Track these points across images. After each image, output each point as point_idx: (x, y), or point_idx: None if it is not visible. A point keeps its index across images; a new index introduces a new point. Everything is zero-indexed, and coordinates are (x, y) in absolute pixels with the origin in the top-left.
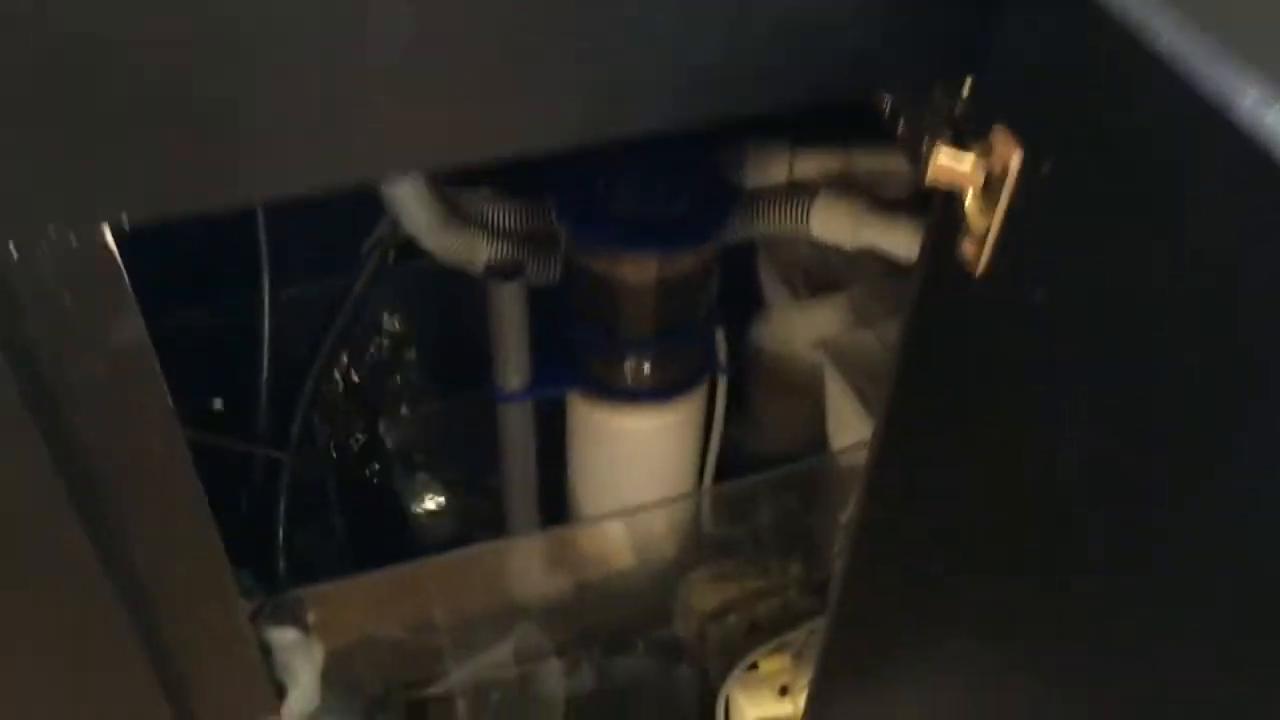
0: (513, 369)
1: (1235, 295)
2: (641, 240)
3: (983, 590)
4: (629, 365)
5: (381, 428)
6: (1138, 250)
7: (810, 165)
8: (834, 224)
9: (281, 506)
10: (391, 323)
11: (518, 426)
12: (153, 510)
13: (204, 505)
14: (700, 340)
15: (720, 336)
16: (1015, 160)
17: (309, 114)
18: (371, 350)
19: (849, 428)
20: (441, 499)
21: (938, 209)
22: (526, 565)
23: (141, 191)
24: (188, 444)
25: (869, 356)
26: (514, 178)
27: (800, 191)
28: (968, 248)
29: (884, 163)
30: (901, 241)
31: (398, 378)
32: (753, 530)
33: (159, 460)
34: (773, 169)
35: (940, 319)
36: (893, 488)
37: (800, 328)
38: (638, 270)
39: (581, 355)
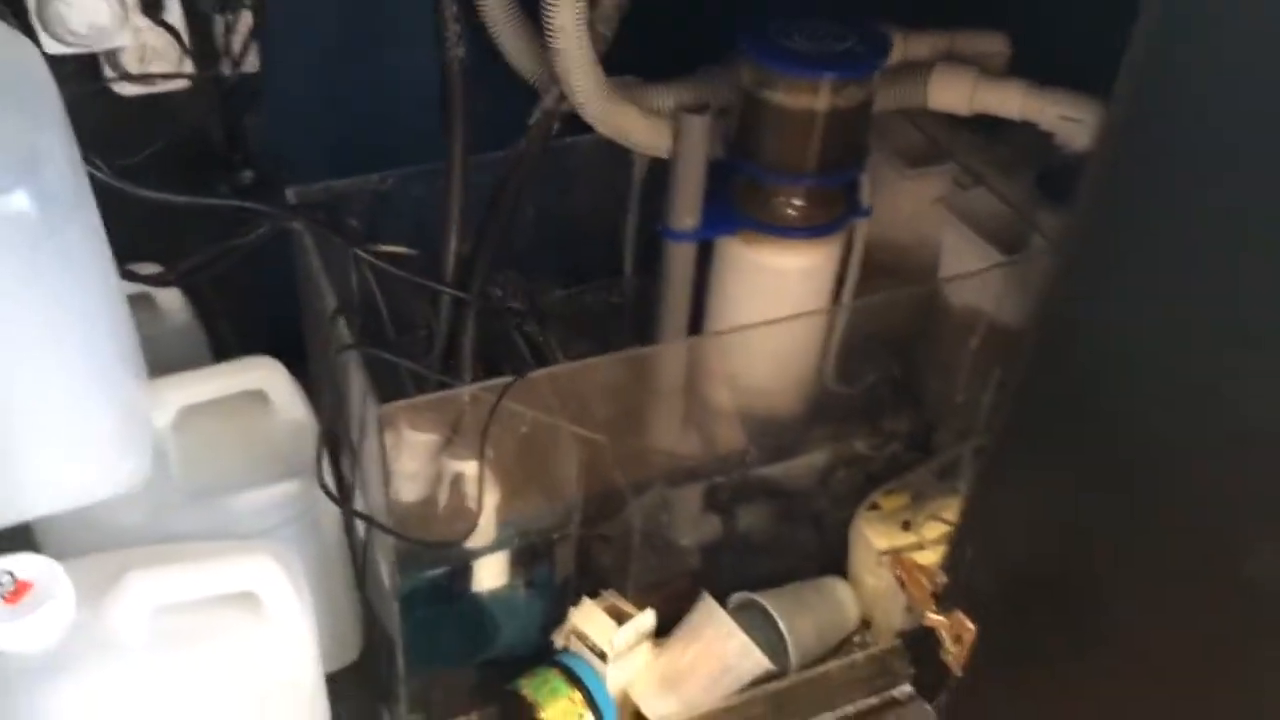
0: (687, 208)
1: None
2: (818, 66)
3: None
4: (786, 200)
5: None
6: None
7: (921, 45)
8: (951, 92)
9: (468, 342)
10: (546, 204)
11: (682, 266)
12: None
13: None
14: (850, 183)
15: (865, 181)
16: None
17: None
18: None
19: (965, 266)
20: None
21: None
22: (676, 370)
23: None
24: None
25: (984, 208)
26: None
27: (915, 67)
28: None
29: (983, 44)
30: (1014, 102)
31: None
32: (866, 387)
33: None
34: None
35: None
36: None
37: (908, 197)
38: (813, 96)
39: (743, 196)
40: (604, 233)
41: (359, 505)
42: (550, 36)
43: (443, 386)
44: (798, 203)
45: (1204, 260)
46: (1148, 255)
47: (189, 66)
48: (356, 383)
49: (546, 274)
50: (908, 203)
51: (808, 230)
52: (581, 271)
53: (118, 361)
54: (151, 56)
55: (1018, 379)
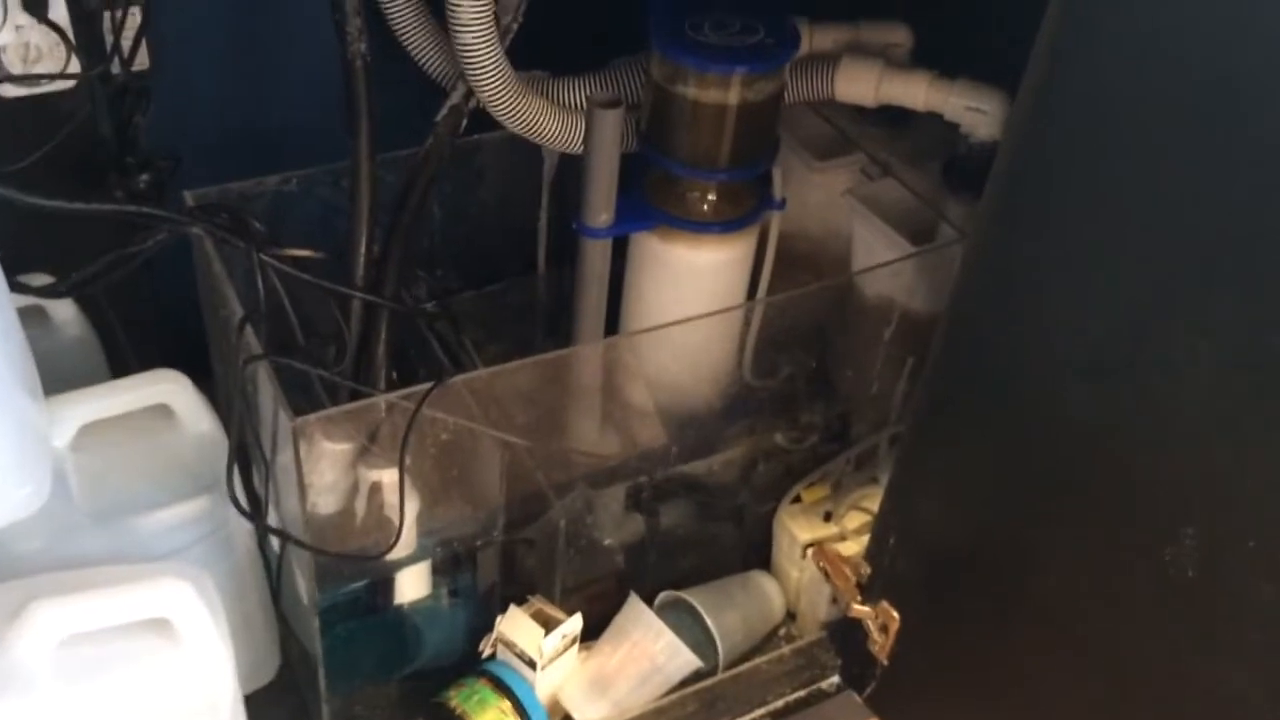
0: (601, 205)
1: None
2: (729, 60)
3: None
4: (701, 194)
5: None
6: None
7: (826, 37)
8: (858, 83)
9: (381, 346)
10: (455, 202)
11: (597, 261)
12: None
13: None
14: (762, 177)
15: (778, 174)
16: None
17: None
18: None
19: (876, 261)
20: None
21: None
22: (595, 370)
23: None
24: None
25: (891, 199)
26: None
27: (822, 59)
28: None
29: (887, 35)
30: (919, 92)
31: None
32: (781, 379)
33: None
34: None
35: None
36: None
37: (817, 190)
38: (723, 90)
39: (657, 191)
40: (516, 229)
41: (273, 520)
42: (455, 31)
43: (356, 395)
44: (711, 197)
45: (1110, 245)
46: (1054, 242)
47: (76, 66)
48: (267, 394)
49: (458, 272)
50: (817, 194)
51: (722, 224)
52: (494, 269)
53: (8, 380)
54: (36, 56)
55: (931, 367)
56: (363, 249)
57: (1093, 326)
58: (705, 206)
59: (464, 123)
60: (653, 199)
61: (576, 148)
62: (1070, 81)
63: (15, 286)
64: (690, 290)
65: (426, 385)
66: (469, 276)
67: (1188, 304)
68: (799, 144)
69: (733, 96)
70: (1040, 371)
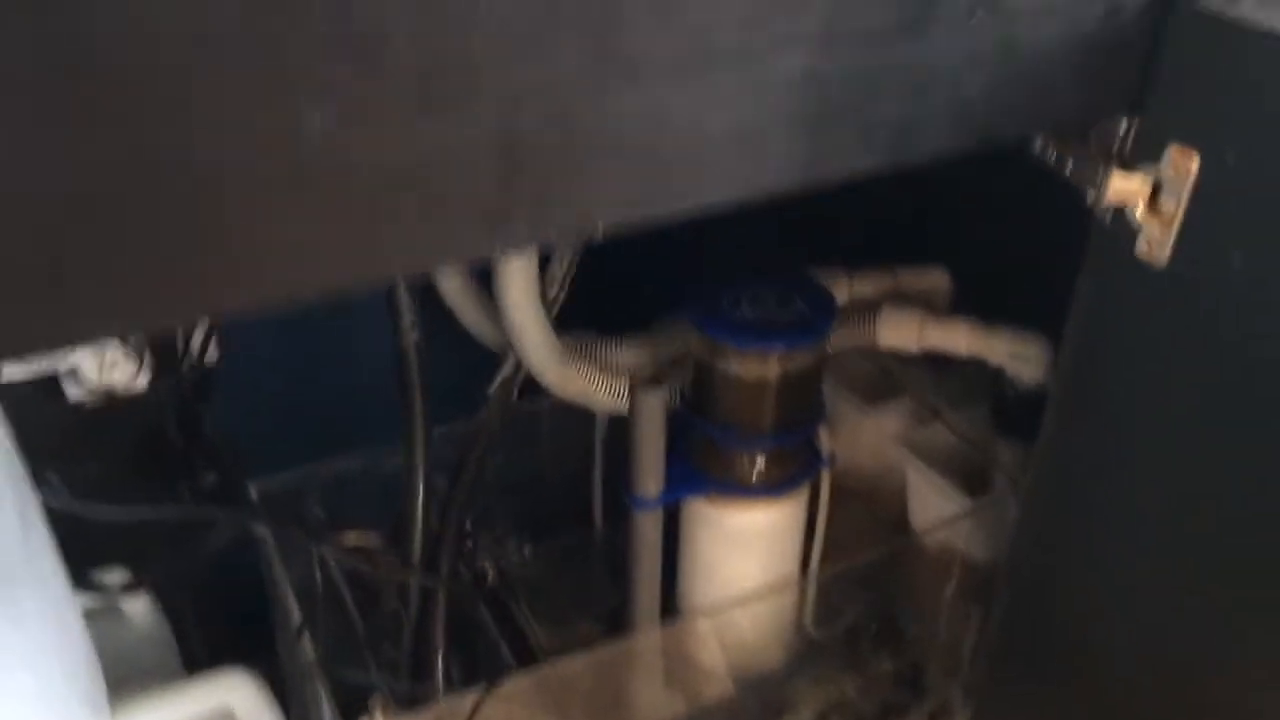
0: (650, 477)
1: None
2: (769, 337)
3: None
4: (749, 462)
5: (497, 562)
6: None
7: (866, 285)
8: (899, 331)
9: (439, 630)
10: (511, 462)
11: (650, 531)
12: None
13: None
14: (809, 437)
15: (824, 432)
16: (1195, 165)
17: None
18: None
19: (934, 510)
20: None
21: (1101, 229)
22: (652, 663)
23: None
24: None
25: (942, 444)
26: (623, 323)
27: (862, 308)
28: (1147, 245)
29: (925, 281)
30: (961, 339)
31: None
32: (847, 628)
33: None
34: (835, 291)
35: (1121, 316)
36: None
37: (869, 433)
38: (764, 366)
39: (704, 459)
40: (572, 487)
41: None
42: (504, 308)
43: (413, 697)
44: (760, 462)
45: (1165, 494)
46: (1107, 495)
47: (148, 370)
48: (323, 705)
49: (516, 534)
50: (869, 436)
51: (772, 489)
52: (553, 527)
53: (72, 699)
54: (110, 365)
55: (997, 620)
56: (419, 528)
57: (1153, 576)
58: (753, 471)
59: (516, 392)
60: (700, 464)
61: (624, 411)
62: (1111, 331)
63: (89, 585)
64: (745, 550)
65: (479, 693)
66: (528, 535)
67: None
68: (846, 387)
69: (772, 371)
70: (1108, 625)
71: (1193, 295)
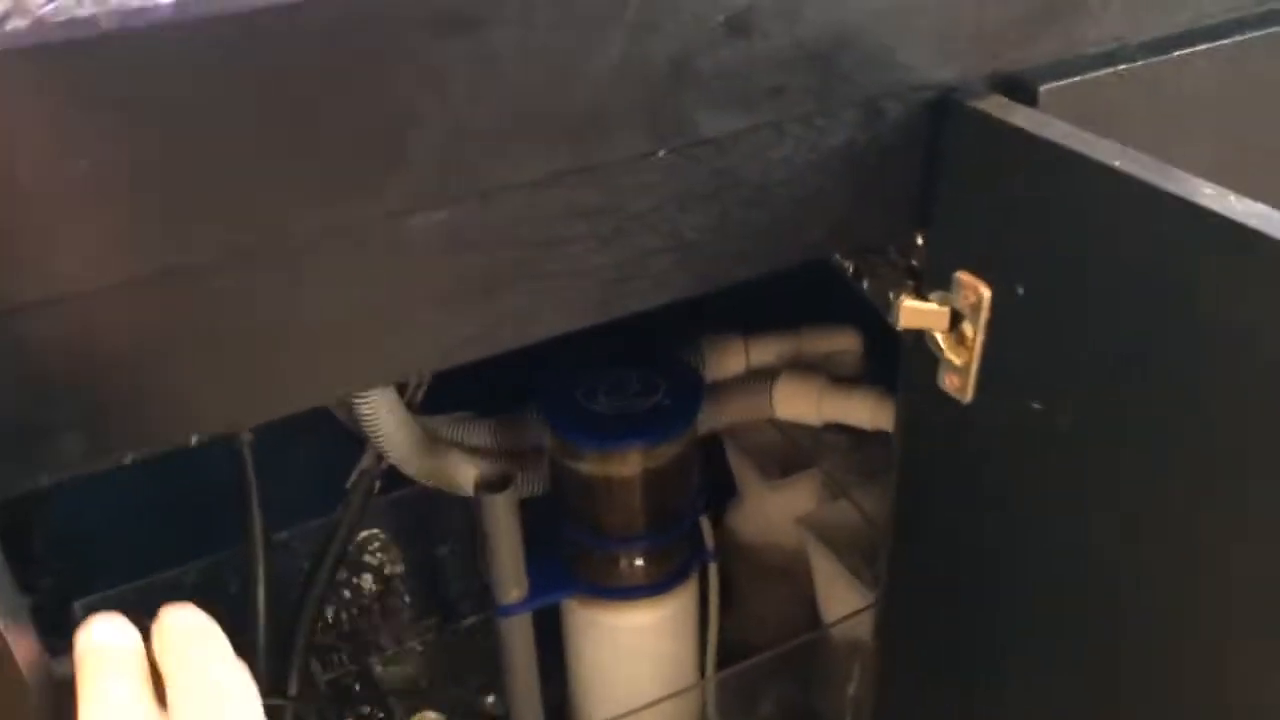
0: (510, 582)
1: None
2: (626, 435)
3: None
4: (622, 562)
5: (375, 663)
6: (1130, 339)
7: (766, 351)
8: (797, 402)
9: None
10: (377, 555)
11: (519, 639)
12: None
13: None
14: (688, 530)
15: (706, 525)
16: (986, 295)
17: None
18: (361, 585)
19: (840, 599)
20: None
21: (909, 353)
22: None
23: None
24: None
25: (849, 525)
26: (488, 399)
27: (760, 376)
28: (950, 380)
29: (832, 342)
30: (864, 411)
31: (386, 610)
32: None
33: None
34: (730, 360)
35: (934, 450)
36: (904, 640)
37: (776, 508)
38: (624, 464)
39: (574, 558)
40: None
41: None
42: (356, 401)
43: None
44: (637, 561)
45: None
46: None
47: None
48: None
49: (408, 623)
50: (779, 512)
51: (653, 588)
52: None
53: None
54: None
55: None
56: (260, 642)
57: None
58: (629, 571)
59: (377, 485)
60: (570, 563)
61: None
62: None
63: None
64: (632, 654)
65: None
66: (407, 627)
67: None
68: (754, 460)
69: (634, 468)
70: None
71: (994, 436)
